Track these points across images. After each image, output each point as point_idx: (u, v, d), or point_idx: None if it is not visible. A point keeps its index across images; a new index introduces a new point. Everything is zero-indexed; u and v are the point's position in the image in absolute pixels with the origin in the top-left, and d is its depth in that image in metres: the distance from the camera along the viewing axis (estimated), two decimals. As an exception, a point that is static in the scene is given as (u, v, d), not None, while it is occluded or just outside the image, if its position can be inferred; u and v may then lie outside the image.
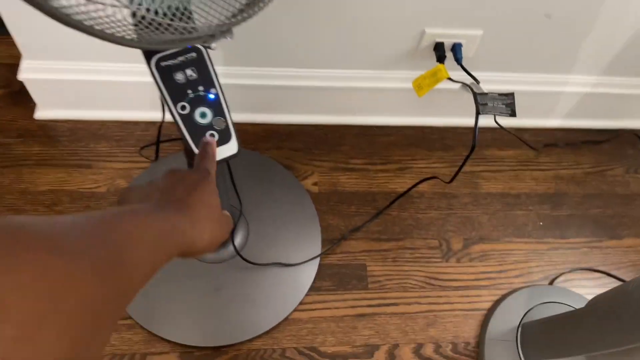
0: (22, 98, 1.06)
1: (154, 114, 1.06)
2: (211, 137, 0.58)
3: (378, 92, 1.05)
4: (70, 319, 0.23)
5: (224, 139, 0.59)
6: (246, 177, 1.01)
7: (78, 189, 0.99)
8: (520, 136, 1.16)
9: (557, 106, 1.14)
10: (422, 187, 1.07)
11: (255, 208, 0.98)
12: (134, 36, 0.46)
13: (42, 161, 1.01)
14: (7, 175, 0.99)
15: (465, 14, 0.90)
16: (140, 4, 0.41)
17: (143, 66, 0.87)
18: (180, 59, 0.57)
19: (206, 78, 0.58)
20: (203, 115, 0.58)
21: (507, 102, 0.81)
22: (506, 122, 1.15)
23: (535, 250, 1.04)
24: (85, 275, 0.25)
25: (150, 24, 0.44)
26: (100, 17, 0.40)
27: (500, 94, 0.82)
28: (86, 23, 0.40)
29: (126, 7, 0.40)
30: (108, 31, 0.44)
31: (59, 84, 0.99)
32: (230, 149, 0.60)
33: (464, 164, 0.84)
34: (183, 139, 0.59)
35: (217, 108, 0.59)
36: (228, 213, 0.50)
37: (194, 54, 0.57)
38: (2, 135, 1.03)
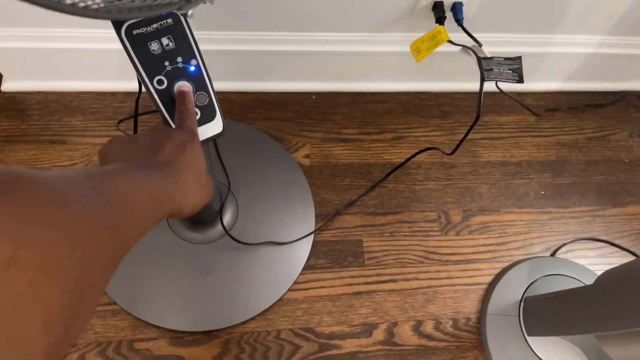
0: (-14, 69, 0.98)
1: (132, 84, 0.99)
2: (186, 86, 0.52)
3: (372, 57, 0.99)
4: (71, 277, 0.23)
5: (207, 117, 0.53)
6: (233, 150, 0.95)
7: (53, 167, 0.92)
8: (521, 101, 1.10)
9: (560, 68, 1.08)
10: (419, 156, 1.02)
11: (244, 184, 0.92)
12: (101, 5, 0.39)
13: (11, 137, 0.94)
14: (-25, 154, 0.92)
15: (467, -31, 0.83)
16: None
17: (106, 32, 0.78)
18: (155, 26, 0.50)
19: (185, 47, 0.51)
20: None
21: (514, 67, 0.75)
22: (507, 86, 1.10)
23: (537, 220, 1.00)
24: (87, 236, 0.25)
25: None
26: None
27: (506, 59, 0.75)
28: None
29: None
30: (67, 1, 0.37)
31: (28, 53, 0.91)
32: (214, 127, 0.53)
33: (466, 135, 0.78)
34: (162, 117, 0.52)
35: (198, 82, 0.52)
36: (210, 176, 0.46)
37: (170, 20, 0.50)
38: (-33, 110, 0.96)
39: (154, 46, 0.50)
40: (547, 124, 1.10)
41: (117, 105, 0.99)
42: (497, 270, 0.95)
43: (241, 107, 1.02)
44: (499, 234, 0.98)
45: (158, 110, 0.52)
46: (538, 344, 0.86)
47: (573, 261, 0.96)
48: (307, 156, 0.99)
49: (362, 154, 1.01)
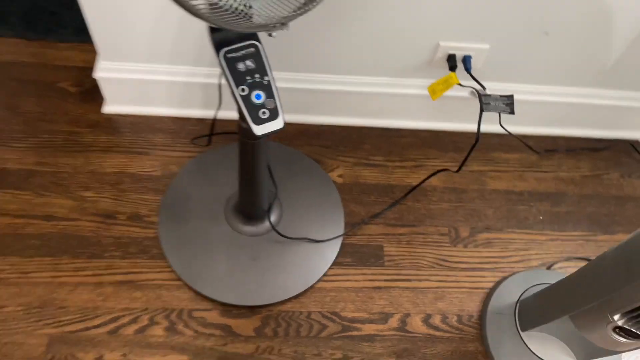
0: (92, 95, 1.24)
1: (204, 112, 1.24)
2: None
3: (397, 97, 1.21)
4: None
5: (273, 116, 0.75)
6: (282, 167, 1.17)
7: (138, 172, 1.16)
8: (525, 141, 1.30)
9: (558, 115, 1.28)
10: (435, 182, 1.21)
11: (288, 192, 1.13)
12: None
13: (108, 148, 1.19)
14: (79, 159, 1.17)
15: (474, 30, 1.06)
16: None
17: (197, 69, 1.05)
18: (242, 52, 0.73)
19: (261, 68, 0.74)
20: (258, 96, 0.74)
21: (507, 102, 0.95)
22: (512, 128, 1.30)
23: (535, 240, 1.17)
24: None
25: (225, 11, 0.61)
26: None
27: (502, 95, 0.96)
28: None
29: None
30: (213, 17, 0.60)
31: (126, 83, 1.17)
32: (277, 124, 0.75)
33: (469, 153, 0.98)
34: (241, 115, 0.75)
35: (268, 91, 0.75)
36: None
37: (252, 49, 0.74)
38: (75, 126, 1.21)
39: (241, 66, 0.73)
40: (547, 162, 1.28)
41: (191, 128, 1.23)
42: (498, 278, 1.11)
43: (289, 135, 1.25)
44: (501, 249, 1.15)
45: (239, 109, 0.74)
46: (530, 338, 1.01)
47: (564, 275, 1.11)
48: (340, 176, 1.20)
49: (386, 177, 1.22)
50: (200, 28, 0.98)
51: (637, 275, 0.69)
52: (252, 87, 0.74)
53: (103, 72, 1.15)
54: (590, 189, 1.25)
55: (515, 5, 1.01)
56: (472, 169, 1.25)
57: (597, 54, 1.13)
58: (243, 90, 0.74)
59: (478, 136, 0.94)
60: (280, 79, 1.15)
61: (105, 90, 1.20)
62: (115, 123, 1.23)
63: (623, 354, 1.03)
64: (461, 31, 1.06)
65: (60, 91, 1.26)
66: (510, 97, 0.96)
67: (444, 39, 1.08)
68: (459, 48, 1.09)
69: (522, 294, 1.07)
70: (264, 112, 0.74)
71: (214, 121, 0.98)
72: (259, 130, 0.75)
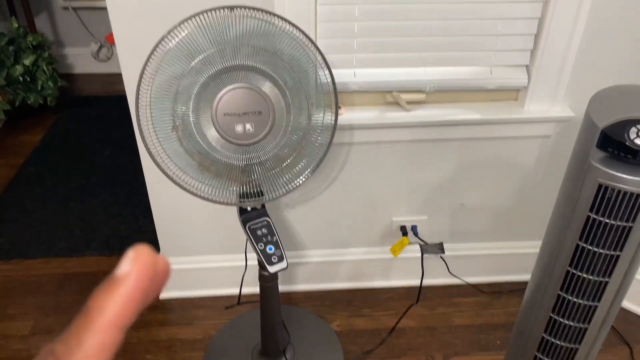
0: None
1: (231, 290, 1.67)
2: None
3: (372, 262, 1.66)
4: None
5: (280, 260, 1.20)
6: (293, 322, 1.55)
7: (185, 337, 1.54)
8: (477, 287, 1.69)
9: (494, 264, 1.70)
10: (410, 323, 1.58)
11: (299, 339, 1.50)
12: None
13: (163, 322, 1.59)
14: (142, 332, 1.56)
15: (416, 207, 1.57)
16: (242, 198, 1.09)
17: (227, 256, 1.54)
18: (259, 224, 1.22)
19: (271, 232, 1.22)
20: (270, 248, 1.20)
21: (439, 247, 1.40)
22: (470, 279, 1.71)
23: (496, 359, 1.48)
24: None
25: (245, 196, 1.11)
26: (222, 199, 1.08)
27: (435, 243, 1.42)
28: (217, 199, 1.08)
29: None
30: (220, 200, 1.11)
31: (178, 272, 1.64)
32: (283, 264, 1.20)
33: (421, 283, 1.39)
34: (261, 264, 1.20)
35: (277, 245, 1.21)
36: None
37: (265, 222, 1.23)
38: (138, 310, 1.64)
39: (259, 232, 1.22)
40: (497, 302, 1.66)
41: (223, 303, 1.65)
42: (469, 388, 1.39)
43: (296, 299, 1.66)
44: (469, 367, 1.45)
45: (258, 258, 1.19)
46: None
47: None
48: (338, 325, 1.58)
49: (373, 323, 1.58)
50: (231, 232, 1.50)
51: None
52: (266, 243, 1.21)
53: (163, 265, 1.62)
54: (534, 318, 1.60)
55: (439, 189, 1.54)
56: (440, 312, 1.63)
57: (498, 218, 1.62)
58: (261, 245, 1.21)
59: (423, 271, 1.36)
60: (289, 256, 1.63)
61: (163, 280, 1.66)
62: (169, 305, 1.66)
63: None
64: (406, 209, 1.57)
65: (128, 287, 1.72)
66: (440, 243, 1.42)
67: (396, 215, 1.58)
68: (407, 220, 1.58)
69: (488, 397, 1.34)
70: (274, 258, 1.20)
71: (240, 294, 1.41)
72: (272, 269, 1.19)
